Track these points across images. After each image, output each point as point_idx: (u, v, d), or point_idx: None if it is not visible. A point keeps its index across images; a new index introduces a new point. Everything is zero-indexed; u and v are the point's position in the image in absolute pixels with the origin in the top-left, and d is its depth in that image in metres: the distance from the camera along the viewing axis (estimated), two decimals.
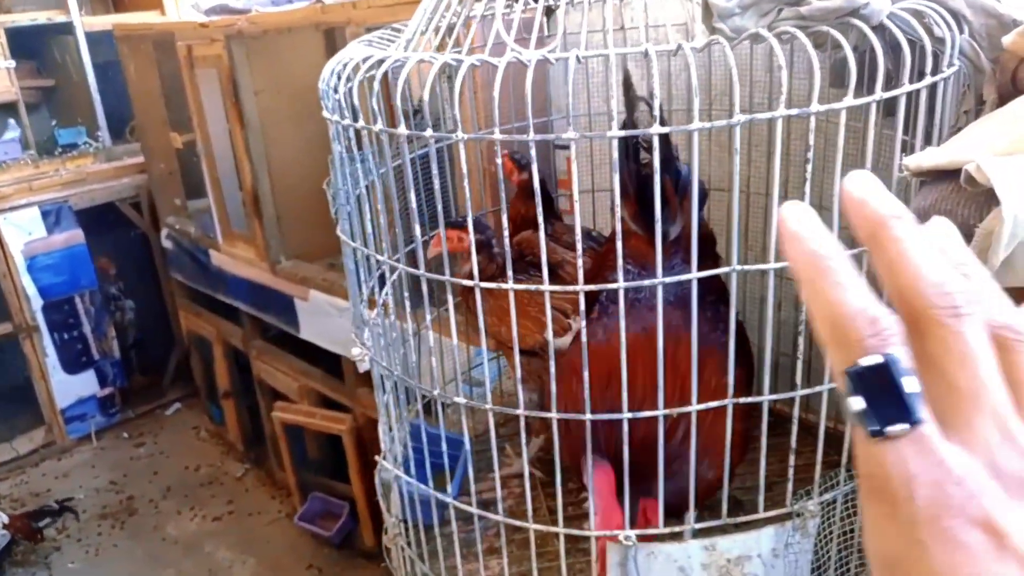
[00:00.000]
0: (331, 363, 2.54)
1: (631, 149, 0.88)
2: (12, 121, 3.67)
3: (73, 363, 3.48)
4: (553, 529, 0.87)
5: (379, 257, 0.92)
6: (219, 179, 2.82)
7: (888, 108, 0.77)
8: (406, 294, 0.89)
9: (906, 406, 0.24)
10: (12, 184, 3.32)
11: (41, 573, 2.76)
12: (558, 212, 1.36)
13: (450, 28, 0.90)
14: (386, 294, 1.02)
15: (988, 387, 0.24)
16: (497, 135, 0.71)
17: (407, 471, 1.01)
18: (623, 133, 0.67)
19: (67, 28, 3.64)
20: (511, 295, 0.74)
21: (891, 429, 0.23)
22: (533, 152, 0.71)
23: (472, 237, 0.82)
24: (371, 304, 1.05)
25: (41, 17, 3.60)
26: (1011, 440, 0.23)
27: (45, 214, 3.33)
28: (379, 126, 0.80)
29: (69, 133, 3.86)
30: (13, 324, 3.30)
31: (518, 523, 0.91)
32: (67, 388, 3.47)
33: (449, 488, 1.02)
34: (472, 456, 1.00)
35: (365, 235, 0.93)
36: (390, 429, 1.08)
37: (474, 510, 0.92)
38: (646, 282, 0.73)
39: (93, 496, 3.14)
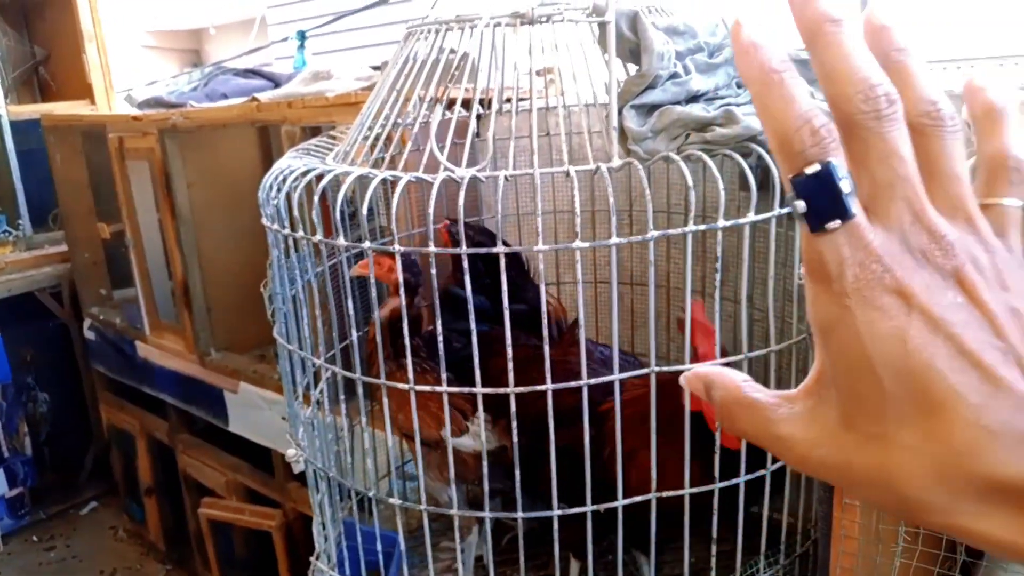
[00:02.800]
0: (260, 457, 2.48)
1: None
2: None
3: None
4: None
5: (314, 360, 0.94)
6: (148, 270, 2.78)
7: (790, 215, 0.85)
8: (342, 396, 0.92)
9: (842, 205, 0.29)
10: None
11: None
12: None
13: (387, 138, 0.96)
14: (320, 393, 1.04)
15: (902, 179, 0.29)
16: (432, 248, 0.76)
17: (341, 570, 1.01)
18: (547, 247, 0.73)
19: None
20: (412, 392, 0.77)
21: (829, 225, 0.29)
22: (466, 264, 0.75)
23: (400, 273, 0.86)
24: (306, 401, 1.07)
25: None
26: (920, 221, 0.29)
27: None
28: (318, 236, 0.84)
29: None
30: None
31: None
32: None
33: None
34: (406, 552, 1.01)
35: (300, 337, 0.96)
36: (324, 528, 1.08)
37: None
38: (595, 380, 0.78)
39: None
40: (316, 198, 0.83)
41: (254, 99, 2.22)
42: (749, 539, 0.91)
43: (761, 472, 0.86)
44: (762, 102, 0.30)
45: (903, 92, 0.30)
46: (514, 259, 1.11)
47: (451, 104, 1.02)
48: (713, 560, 0.89)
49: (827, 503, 0.86)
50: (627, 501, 0.81)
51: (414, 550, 1.15)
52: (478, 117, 1.19)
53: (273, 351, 2.34)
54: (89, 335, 3.30)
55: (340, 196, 0.79)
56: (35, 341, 3.53)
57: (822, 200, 0.29)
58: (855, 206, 0.29)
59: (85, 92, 3.78)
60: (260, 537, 2.52)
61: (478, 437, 1.02)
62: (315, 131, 1.84)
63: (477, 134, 1.28)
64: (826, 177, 0.28)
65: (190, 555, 2.98)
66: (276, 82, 2.61)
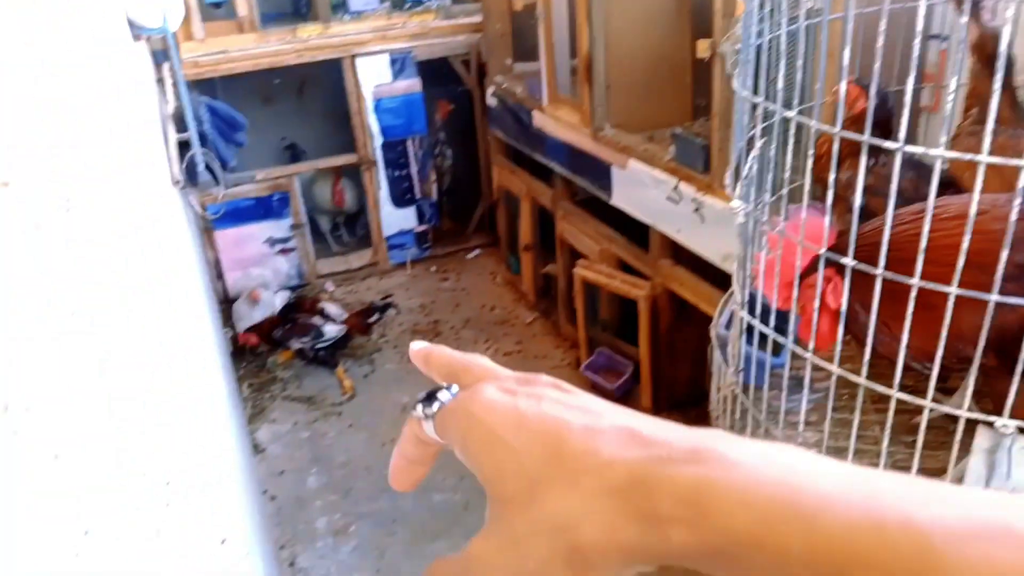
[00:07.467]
0: (636, 233, 2.64)
1: None
2: None
3: (399, 198, 3.94)
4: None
5: (769, 105, 0.96)
6: (553, 44, 2.95)
7: None
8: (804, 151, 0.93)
9: None
10: (369, 32, 3.71)
11: (366, 367, 3.28)
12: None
13: None
14: (770, 147, 1.06)
15: None
16: None
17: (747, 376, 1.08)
18: None
19: None
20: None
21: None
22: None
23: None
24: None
25: None
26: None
27: (392, 62, 3.70)
28: None
29: None
30: (358, 156, 3.80)
31: (853, 378, 0.94)
32: (392, 219, 3.97)
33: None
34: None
35: (770, 90, 0.97)
36: (743, 287, 1.15)
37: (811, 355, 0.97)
38: None
39: (406, 314, 3.63)
40: None
41: None
42: None
43: None
44: None
45: None
46: None
47: None
48: None
49: None
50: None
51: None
52: None
53: (669, 133, 2.40)
54: (491, 102, 3.65)
55: None
56: (446, 102, 4.00)
57: None
58: None
59: None
60: (625, 304, 2.75)
61: None
62: None
63: None
64: None
65: (554, 308, 3.37)
66: None
